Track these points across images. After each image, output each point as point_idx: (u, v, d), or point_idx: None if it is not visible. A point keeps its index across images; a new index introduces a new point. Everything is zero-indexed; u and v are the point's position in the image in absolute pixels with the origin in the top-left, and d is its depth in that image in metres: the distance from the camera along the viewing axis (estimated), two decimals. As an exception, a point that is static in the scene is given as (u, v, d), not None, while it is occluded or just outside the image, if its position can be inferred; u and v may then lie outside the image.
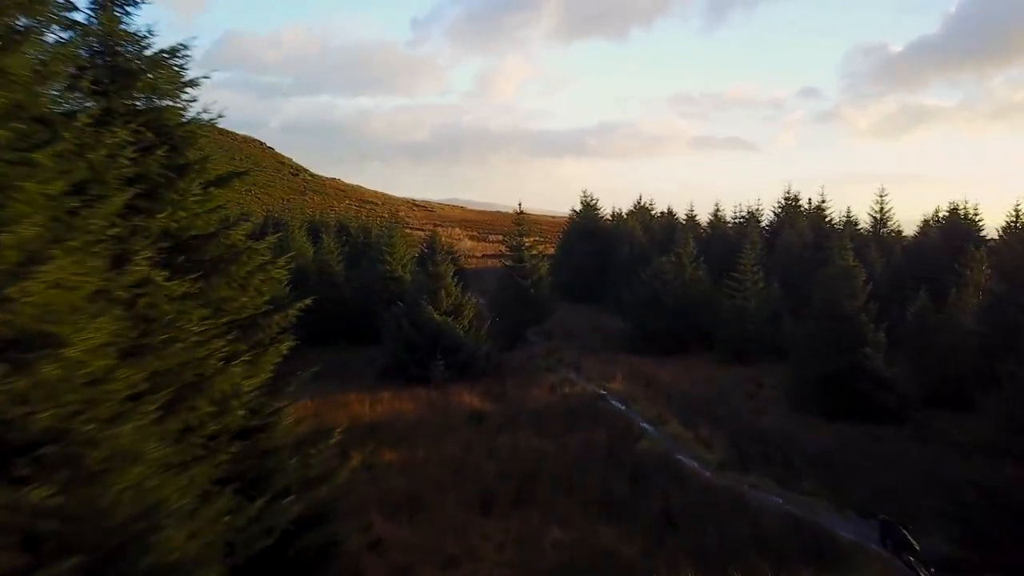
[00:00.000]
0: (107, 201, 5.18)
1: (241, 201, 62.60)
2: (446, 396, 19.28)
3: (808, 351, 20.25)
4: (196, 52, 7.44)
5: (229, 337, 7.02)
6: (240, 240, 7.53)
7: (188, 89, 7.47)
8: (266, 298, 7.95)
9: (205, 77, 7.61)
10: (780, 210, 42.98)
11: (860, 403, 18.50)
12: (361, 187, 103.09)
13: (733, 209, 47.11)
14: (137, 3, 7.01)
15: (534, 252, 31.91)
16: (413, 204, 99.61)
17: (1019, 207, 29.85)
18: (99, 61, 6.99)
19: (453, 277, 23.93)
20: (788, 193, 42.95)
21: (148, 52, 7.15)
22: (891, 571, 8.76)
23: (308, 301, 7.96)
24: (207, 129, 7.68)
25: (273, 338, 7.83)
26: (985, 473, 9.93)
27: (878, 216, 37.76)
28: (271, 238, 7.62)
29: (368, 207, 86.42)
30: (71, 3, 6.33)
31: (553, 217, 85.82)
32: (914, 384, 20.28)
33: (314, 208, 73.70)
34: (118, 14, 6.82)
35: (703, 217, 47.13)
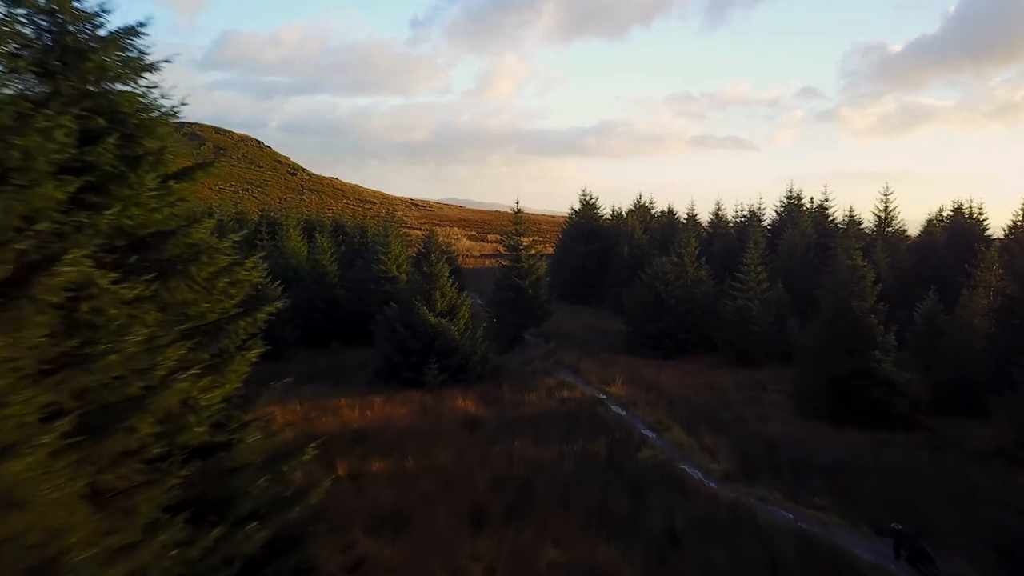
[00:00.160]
0: (27, 193, 4.49)
1: (236, 200, 61.93)
2: (440, 401, 18.63)
3: (815, 354, 19.59)
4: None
5: (189, 344, 6.38)
6: (203, 238, 6.83)
7: (147, 74, 6.81)
8: (235, 301, 7.29)
9: (166, 61, 6.94)
10: (782, 209, 42.33)
11: (869, 409, 17.86)
12: (359, 186, 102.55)
13: (734, 208, 46.42)
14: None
15: (532, 252, 31.21)
16: (411, 203, 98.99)
17: (1028, 205, 29.21)
18: (46, 39, 6.34)
19: (449, 277, 23.25)
20: (790, 191, 42.33)
21: (101, 32, 6.50)
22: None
23: (279, 304, 7.30)
24: (167, 117, 7.00)
25: (240, 345, 7.16)
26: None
27: (882, 215, 37.04)
28: (235, 235, 6.89)
29: (366, 206, 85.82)
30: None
31: (552, 217, 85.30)
32: (923, 388, 19.65)
33: (311, 207, 73.03)
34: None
35: (704, 216, 46.55)
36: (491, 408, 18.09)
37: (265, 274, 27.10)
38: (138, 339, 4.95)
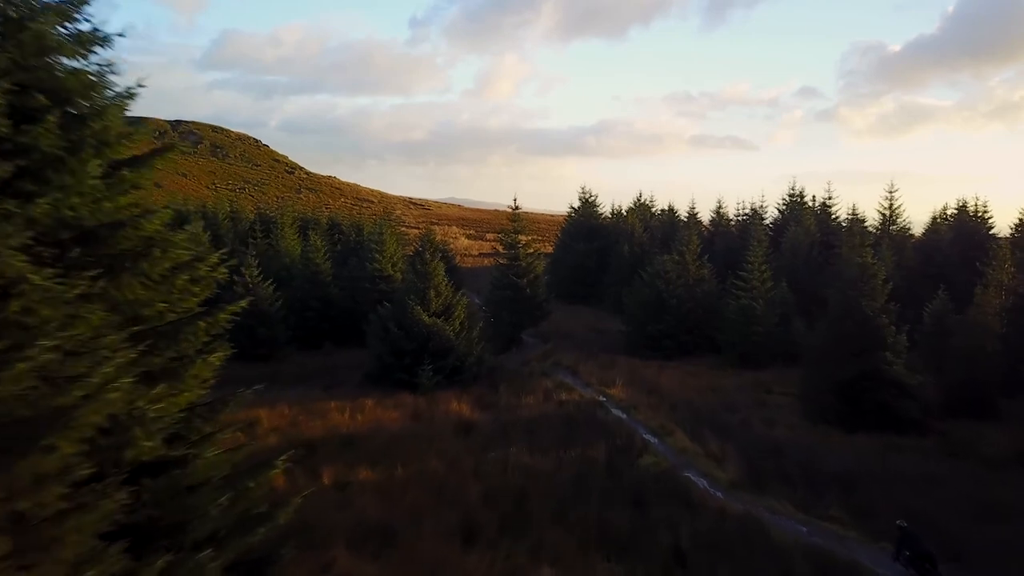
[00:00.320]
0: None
1: (232, 198, 61.25)
2: (433, 404, 17.95)
3: (823, 356, 18.90)
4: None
5: (140, 348, 5.70)
6: (158, 232, 6.14)
7: (96, 48, 6.10)
8: (197, 300, 6.61)
9: (120, 35, 6.24)
10: (785, 207, 41.58)
11: (879, 412, 17.17)
12: (357, 185, 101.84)
13: (735, 207, 45.71)
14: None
15: (530, 251, 30.50)
16: (410, 202, 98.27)
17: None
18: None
19: (445, 276, 22.55)
20: (793, 189, 41.58)
21: (44, -1, 5.80)
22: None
23: (244, 304, 6.59)
24: (123, 100, 6.29)
25: (201, 348, 6.48)
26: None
27: (887, 214, 36.33)
28: (192, 227, 6.21)
29: (364, 205, 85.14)
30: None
31: (551, 216, 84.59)
32: (934, 391, 18.97)
33: (308, 206, 72.30)
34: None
35: (704, 215, 45.82)
36: (486, 412, 17.42)
37: (258, 272, 26.51)
38: (47, 344, 4.26)
